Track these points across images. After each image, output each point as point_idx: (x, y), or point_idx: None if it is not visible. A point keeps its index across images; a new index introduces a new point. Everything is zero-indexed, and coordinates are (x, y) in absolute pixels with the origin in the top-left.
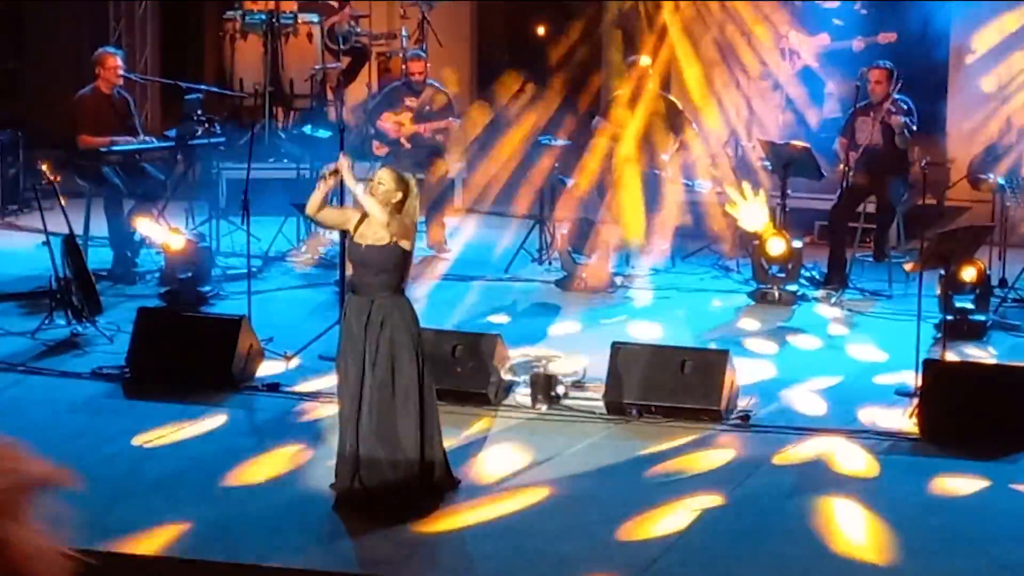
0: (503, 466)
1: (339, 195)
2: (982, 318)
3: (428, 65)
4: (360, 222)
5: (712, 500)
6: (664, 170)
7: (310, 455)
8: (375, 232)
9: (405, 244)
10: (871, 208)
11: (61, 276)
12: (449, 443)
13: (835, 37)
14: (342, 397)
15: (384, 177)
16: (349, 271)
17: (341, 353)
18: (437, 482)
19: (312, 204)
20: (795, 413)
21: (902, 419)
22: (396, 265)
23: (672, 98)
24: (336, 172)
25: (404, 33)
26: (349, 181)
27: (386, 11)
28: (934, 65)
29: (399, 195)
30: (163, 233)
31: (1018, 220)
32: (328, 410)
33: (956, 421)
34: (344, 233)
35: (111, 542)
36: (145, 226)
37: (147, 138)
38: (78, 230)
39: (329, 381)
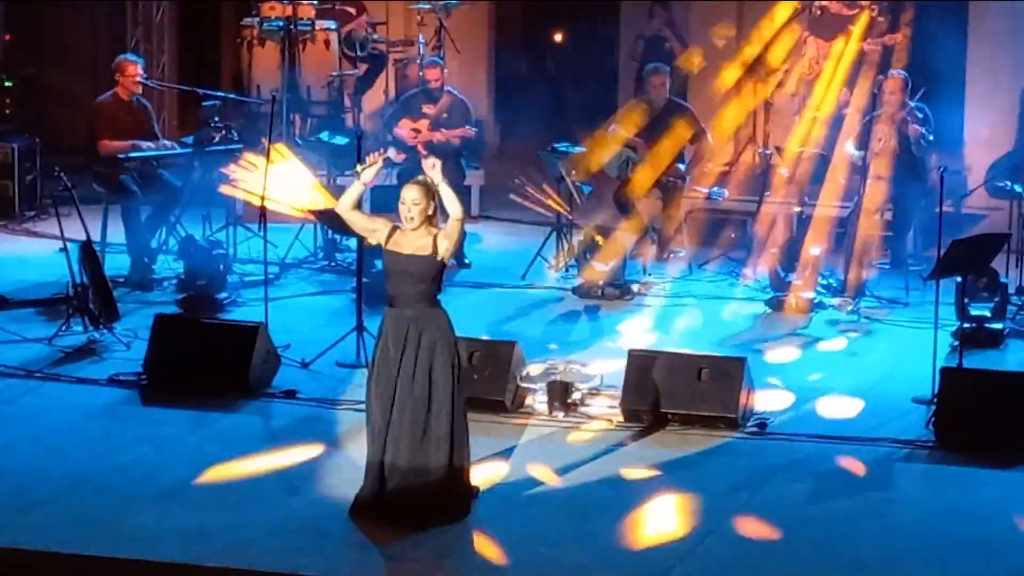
0: (519, 473)
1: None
2: (999, 326)
3: (445, 72)
4: (393, 232)
5: (728, 508)
6: (680, 178)
7: (327, 462)
8: (416, 242)
9: (446, 255)
10: (888, 216)
11: (78, 282)
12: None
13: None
14: (373, 407)
15: (416, 195)
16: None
17: (375, 364)
18: (462, 492)
19: (347, 201)
20: (812, 421)
21: (919, 427)
22: (436, 275)
23: (688, 105)
24: (377, 161)
25: (421, 40)
26: (436, 176)
27: (403, 18)
28: (951, 72)
29: (432, 205)
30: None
31: None
32: (345, 417)
33: (973, 429)
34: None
35: (127, 548)
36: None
37: (167, 143)
38: (95, 236)
39: (345, 388)
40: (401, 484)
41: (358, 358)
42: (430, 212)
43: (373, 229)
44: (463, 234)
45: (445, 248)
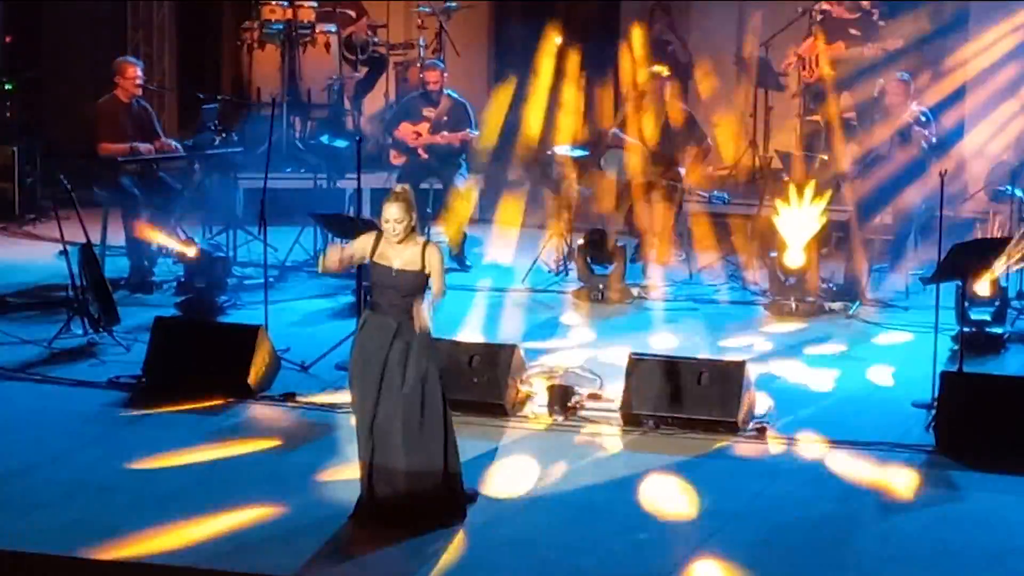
0: (520, 477)
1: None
2: (999, 330)
3: (445, 75)
4: (377, 243)
5: (728, 512)
6: (681, 181)
7: (326, 465)
8: (404, 255)
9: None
10: (888, 219)
11: (78, 285)
12: (466, 454)
13: (850, 46)
14: (358, 412)
15: (398, 214)
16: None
17: (355, 368)
18: (458, 497)
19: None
20: (811, 425)
21: (919, 431)
22: (422, 287)
23: (688, 109)
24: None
25: (421, 43)
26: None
27: (403, 21)
28: (952, 75)
29: (415, 218)
30: (175, 242)
31: None
32: (345, 420)
33: (973, 433)
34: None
35: (126, 551)
36: (156, 236)
37: (171, 142)
38: (95, 239)
39: (345, 391)
40: (396, 492)
41: None
42: (413, 224)
43: (359, 258)
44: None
45: (434, 264)
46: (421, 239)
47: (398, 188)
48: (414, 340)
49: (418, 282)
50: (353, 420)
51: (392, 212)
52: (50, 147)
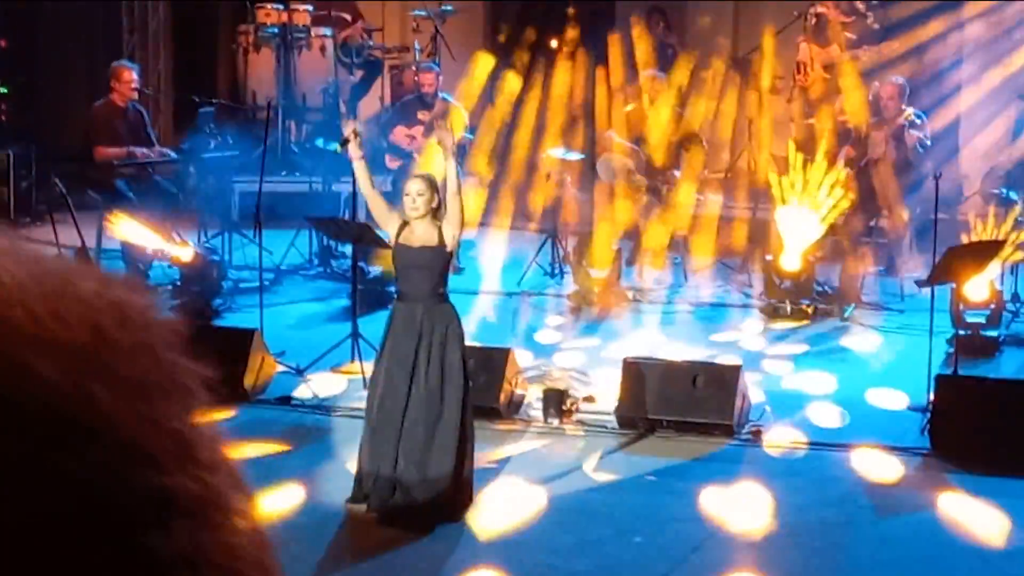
0: (515, 481)
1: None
2: (994, 333)
3: (440, 78)
4: (403, 228)
5: (724, 515)
6: (676, 184)
7: (322, 469)
8: (423, 235)
9: (453, 242)
10: (883, 222)
11: None
12: None
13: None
14: (375, 407)
15: (420, 187)
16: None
17: (381, 360)
18: (462, 499)
19: (365, 183)
20: (807, 428)
21: (914, 434)
22: (443, 267)
23: (684, 112)
24: (355, 134)
25: (417, 46)
26: (447, 141)
27: (399, 24)
28: (947, 78)
29: (436, 198)
30: (168, 245)
31: None
32: (341, 423)
33: (968, 436)
34: (359, 240)
35: None
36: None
37: (162, 150)
38: (90, 243)
39: (340, 394)
40: (413, 492)
41: (353, 365)
42: (434, 204)
43: (389, 218)
44: (463, 213)
45: (452, 236)
46: (439, 222)
47: (421, 171)
48: (438, 328)
49: (438, 258)
50: (353, 423)
51: (414, 186)
52: (45, 151)
